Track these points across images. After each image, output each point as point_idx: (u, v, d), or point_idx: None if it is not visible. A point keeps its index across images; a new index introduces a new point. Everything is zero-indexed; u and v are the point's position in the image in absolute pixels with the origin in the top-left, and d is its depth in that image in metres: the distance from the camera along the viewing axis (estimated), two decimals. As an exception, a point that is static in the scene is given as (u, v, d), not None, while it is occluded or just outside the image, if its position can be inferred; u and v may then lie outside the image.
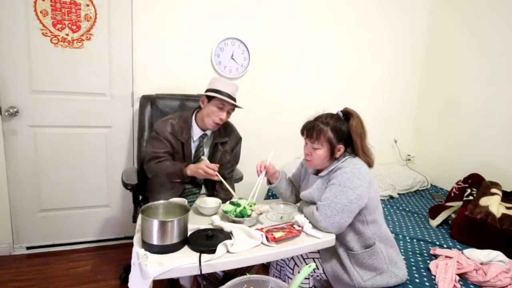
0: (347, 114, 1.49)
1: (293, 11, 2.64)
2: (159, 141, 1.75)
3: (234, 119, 1.87)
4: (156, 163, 1.74)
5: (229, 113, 1.77)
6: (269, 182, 1.68)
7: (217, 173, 1.62)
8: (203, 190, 1.88)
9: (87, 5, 2.14)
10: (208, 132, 1.83)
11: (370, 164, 1.48)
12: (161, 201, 1.35)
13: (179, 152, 1.79)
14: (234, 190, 1.94)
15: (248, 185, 1.67)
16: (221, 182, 1.66)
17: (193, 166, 1.66)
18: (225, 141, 1.87)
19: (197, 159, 1.81)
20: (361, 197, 1.38)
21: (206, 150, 1.85)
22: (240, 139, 1.97)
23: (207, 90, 1.75)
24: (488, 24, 2.62)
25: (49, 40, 2.11)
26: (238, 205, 1.46)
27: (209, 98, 1.73)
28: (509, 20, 2.48)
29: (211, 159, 1.83)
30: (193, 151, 1.81)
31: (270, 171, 1.61)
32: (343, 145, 1.46)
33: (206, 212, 1.50)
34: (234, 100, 1.74)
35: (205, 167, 1.61)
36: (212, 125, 1.75)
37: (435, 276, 1.57)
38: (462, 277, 1.59)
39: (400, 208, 2.48)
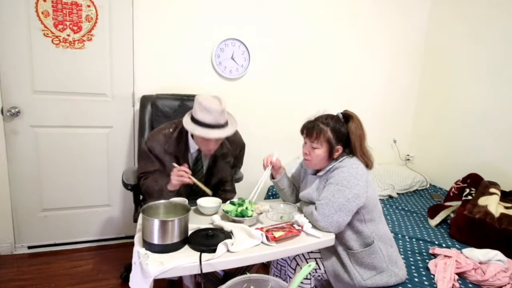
0: (347, 116, 1.51)
1: (293, 12, 2.65)
2: (149, 159, 1.63)
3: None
4: (144, 180, 1.64)
5: (218, 141, 1.59)
6: (272, 177, 1.70)
7: (189, 176, 1.49)
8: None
9: (88, 6, 2.15)
10: None
11: (368, 165, 1.49)
12: (162, 201, 1.35)
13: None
14: (235, 191, 1.94)
15: (249, 184, 1.68)
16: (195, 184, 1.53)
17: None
18: (226, 153, 1.76)
19: (196, 173, 1.71)
20: (358, 196, 1.39)
21: (205, 163, 1.74)
22: (243, 146, 1.90)
23: (191, 115, 1.55)
24: (487, 25, 2.63)
25: (50, 41, 2.12)
26: (239, 204, 1.47)
27: None
28: (508, 21, 2.49)
29: (211, 172, 1.76)
30: (191, 164, 1.70)
31: (277, 165, 1.63)
32: (341, 146, 1.47)
33: (207, 211, 1.51)
34: (219, 126, 1.52)
35: (176, 171, 1.48)
36: (206, 153, 1.66)
37: (434, 275, 1.58)
38: (461, 276, 1.60)
39: (399, 207, 2.49)
